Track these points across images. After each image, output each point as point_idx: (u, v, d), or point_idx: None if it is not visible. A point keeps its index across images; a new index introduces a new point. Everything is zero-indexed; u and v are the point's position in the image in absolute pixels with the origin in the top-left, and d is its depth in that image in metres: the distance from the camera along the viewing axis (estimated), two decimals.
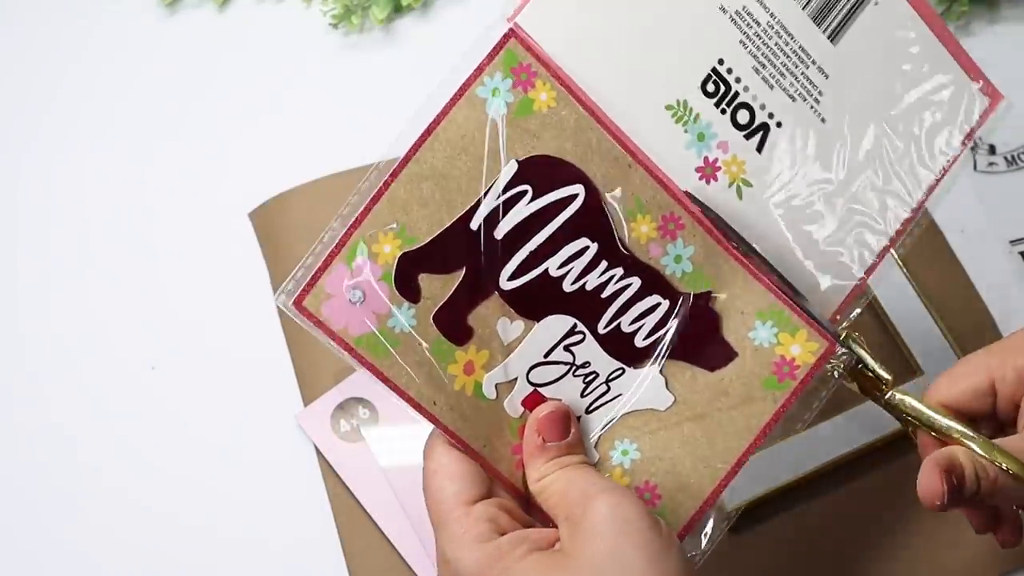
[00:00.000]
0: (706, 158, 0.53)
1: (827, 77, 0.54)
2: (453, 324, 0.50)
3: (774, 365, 0.53)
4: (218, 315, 0.71)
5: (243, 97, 0.78)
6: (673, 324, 0.52)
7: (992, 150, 0.75)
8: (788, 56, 0.54)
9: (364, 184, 0.50)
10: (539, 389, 0.52)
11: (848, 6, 0.55)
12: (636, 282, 0.52)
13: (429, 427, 0.50)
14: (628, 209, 0.52)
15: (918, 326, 0.68)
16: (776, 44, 0.54)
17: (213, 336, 0.70)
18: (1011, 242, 0.71)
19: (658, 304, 0.52)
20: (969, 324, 0.69)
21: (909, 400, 0.53)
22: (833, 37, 0.55)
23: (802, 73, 0.54)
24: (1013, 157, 0.75)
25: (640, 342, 0.52)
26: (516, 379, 0.51)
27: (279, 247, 0.72)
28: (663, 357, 0.53)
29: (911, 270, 0.69)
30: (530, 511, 0.51)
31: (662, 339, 0.52)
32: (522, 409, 0.51)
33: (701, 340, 0.53)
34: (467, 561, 0.48)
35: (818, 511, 0.64)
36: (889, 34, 0.55)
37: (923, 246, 0.72)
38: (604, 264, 0.52)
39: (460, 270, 0.50)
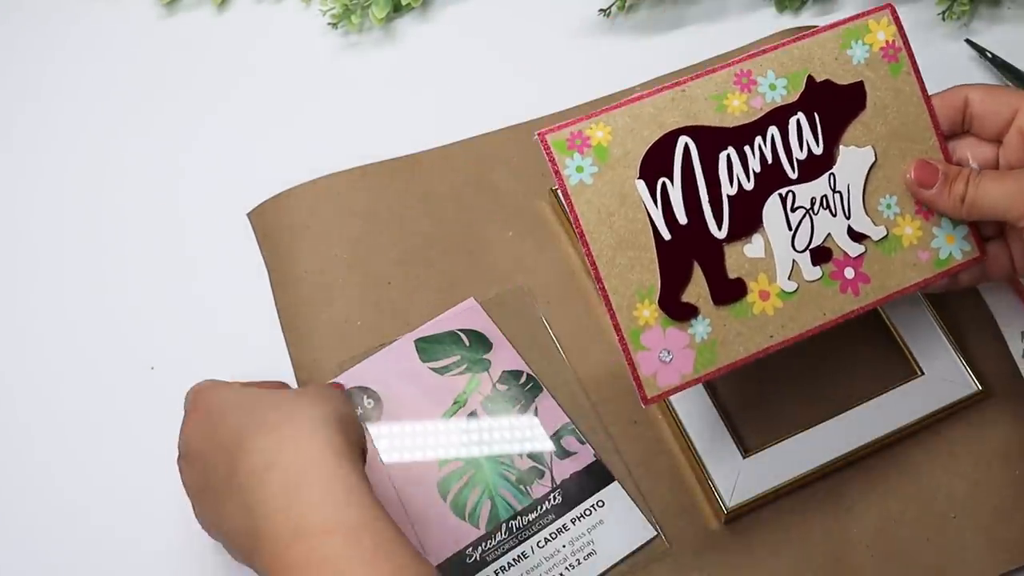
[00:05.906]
0: None
1: None
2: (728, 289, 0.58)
3: None
4: (218, 315, 0.71)
5: (242, 97, 0.78)
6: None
7: None
8: None
9: None
10: (810, 249, 0.59)
11: None
12: (770, 132, 0.59)
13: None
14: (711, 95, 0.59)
15: (918, 326, 0.68)
16: None
17: (213, 336, 0.70)
18: None
19: (788, 122, 0.59)
20: (969, 324, 0.69)
21: None
22: None
23: None
24: None
25: (816, 150, 0.59)
26: (793, 261, 0.58)
27: (279, 247, 0.72)
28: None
29: None
30: None
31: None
32: (818, 271, 0.59)
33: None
34: None
35: (818, 511, 0.64)
36: None
37: None
38: (732, 151, 0.58)
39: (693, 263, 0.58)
